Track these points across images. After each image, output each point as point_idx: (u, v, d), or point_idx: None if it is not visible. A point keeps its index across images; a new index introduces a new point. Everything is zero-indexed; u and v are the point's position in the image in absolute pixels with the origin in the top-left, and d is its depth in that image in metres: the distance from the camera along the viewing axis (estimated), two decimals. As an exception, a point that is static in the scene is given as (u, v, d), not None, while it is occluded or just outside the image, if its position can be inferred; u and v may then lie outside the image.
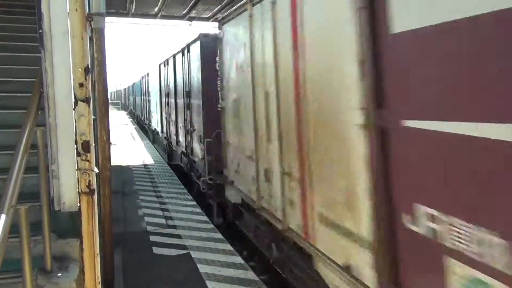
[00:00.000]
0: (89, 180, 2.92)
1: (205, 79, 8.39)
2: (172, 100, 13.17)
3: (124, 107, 54.81)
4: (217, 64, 6.99)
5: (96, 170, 2.99)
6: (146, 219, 7.80)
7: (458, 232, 2.26)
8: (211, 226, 7.36)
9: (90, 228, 2.97)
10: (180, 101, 11.50)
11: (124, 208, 8.59)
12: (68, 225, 3.25)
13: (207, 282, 5.10)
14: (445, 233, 2.34)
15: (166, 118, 14.69)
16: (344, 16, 3.17)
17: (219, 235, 6.84)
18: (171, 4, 12.14)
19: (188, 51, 10.06)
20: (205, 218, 7.85)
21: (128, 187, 10.54)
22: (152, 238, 6.78)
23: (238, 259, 5.79)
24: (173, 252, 6.15)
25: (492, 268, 2.07)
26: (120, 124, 31.00)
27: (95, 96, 4.41)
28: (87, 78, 2.86)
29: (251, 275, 5.28)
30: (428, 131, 2.44)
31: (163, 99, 15.33)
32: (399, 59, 2.70)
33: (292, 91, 4.22)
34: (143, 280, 5.25)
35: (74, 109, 2.87)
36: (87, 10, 3.06)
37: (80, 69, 2.83)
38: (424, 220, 2.50)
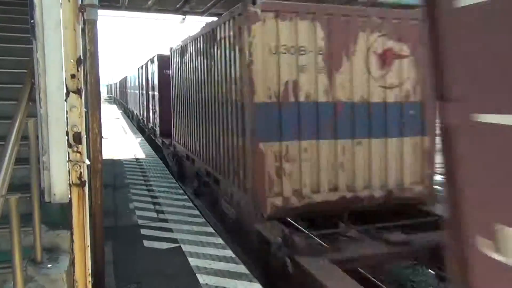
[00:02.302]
0: (80, 172, 2.91)
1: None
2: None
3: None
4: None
5: (88, 161, 2.98)
6: (137, 212, 7.80)
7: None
8: (203, 220, 7.38)
9: (81, 220, 2.97)
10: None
11: (115, 201, 8.58)
12: (58, 217, 3.26)
13: (198, 275, 5.12)
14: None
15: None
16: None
17: (210, 229, 6.86)
18: (164, -2, 12.09)
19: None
20: (196, 212, 7.86)
21: (119, 180, 10.51)
22: (143, 231, 6.78)
23: (229, 253, 5.81)
24: (164, 245, 6.16)
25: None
26: (112, 117, 30.81)
27: (87, 88, 4.39)
28: (79, 69, 2.85)
29: (242, 268, 5.31)
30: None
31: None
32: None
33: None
34: (134, 273, 5.26)
35: (65, 101, 2.86)
36: (80, 1, 3.04)
37: (72, 60, 2.82)
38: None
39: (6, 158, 2.63)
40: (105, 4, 12.56)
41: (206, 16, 13.64)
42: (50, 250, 3.22)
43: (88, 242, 3.00)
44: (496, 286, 1.89)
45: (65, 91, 2.85)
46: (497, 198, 1.88)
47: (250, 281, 4.99)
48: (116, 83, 58.68)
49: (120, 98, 47.17)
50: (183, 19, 14.45)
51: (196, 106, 9.82)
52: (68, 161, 2.91)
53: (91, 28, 4.26)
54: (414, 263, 6.73)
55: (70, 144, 2.86)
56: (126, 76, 35.49)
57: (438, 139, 2.36)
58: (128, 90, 32.74)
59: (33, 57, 3.03)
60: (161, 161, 13.41)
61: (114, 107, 49.24)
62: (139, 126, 23.55)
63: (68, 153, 2.88)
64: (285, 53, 6.14)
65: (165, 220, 7.32)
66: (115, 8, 13.39)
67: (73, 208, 2.91)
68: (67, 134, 2.86)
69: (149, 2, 12.62)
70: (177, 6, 13.02)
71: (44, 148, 3.00)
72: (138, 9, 13.80)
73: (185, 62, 10.96)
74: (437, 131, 2.34)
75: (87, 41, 4.25)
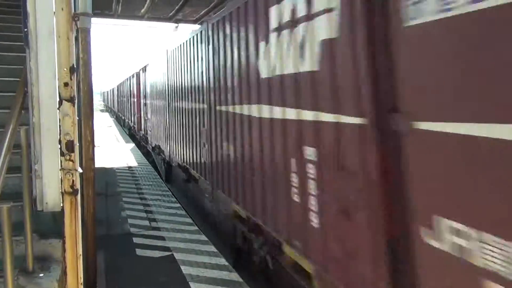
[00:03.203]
0: (73, 180, 2.91)
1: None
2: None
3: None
4: None
5: (80, 170, 2.98)
6: (130, 221, 7.75)
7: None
8: (195, 228, 7.35)
9: (73, 228, 2.95)
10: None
11: (108, 209, 8.52)
12: (50, 226, 3.24)
13: (191, 284, 5.10)
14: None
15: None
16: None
17: (203, 237, 6.83)
18: (157, 6, 12.11)
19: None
20: (189, 220, 7.83)
21: (112, 189, 10.46)
22: (136, 240, 6.74)
23: (222, 261, 5.79)
24: (157, 254, 6.13)
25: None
26: (103, 125, 30.68)
27: (80, 96, 4.39)
28: (72, 77, 2.85)
29: (234, 276, 5.29)
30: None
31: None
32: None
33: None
34: (126, 282, 5.22)
35: (58, 109, 2.86)
36: (73, 10, 3.06)
37: (65, 69, 2.82)
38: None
39: (-2, 167, 2.62)
40: (97, 12, 12.57)
41: (199, 24, 13.70)
42: (42, 259, 3.20)
43: (80, 251, 2.99)
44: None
45: (58, 99, 2.86)
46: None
47: (243, 289, 4.98)
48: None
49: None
50: (176, 27, 14.50)
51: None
52: (60, 169, 2.90)
53: (84, 36, 4.27)
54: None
55: (63, 152, 2.85)
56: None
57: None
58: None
59: (26, 66, 3.04)
60: (153, 169, 13.36)
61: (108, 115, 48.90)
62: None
63: (61, 161, 2.88)
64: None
65: (158, 229, 7.28)
66: (108, 16, 13.41)
67: (65, 216, 2.90)
68: (60, 143, 2.86)
69: (142, 10, 12.65)
70: (170, 14, 13.07)
71: (36, 156, 2.99)
72: (131, 17, 13.83)
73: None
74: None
75: (80, 49, 4.26)
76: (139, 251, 6.23)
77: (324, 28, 3.18)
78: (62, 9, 2.83)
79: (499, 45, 1.81)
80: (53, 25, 2.84)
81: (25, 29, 2.89)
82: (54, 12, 2.85)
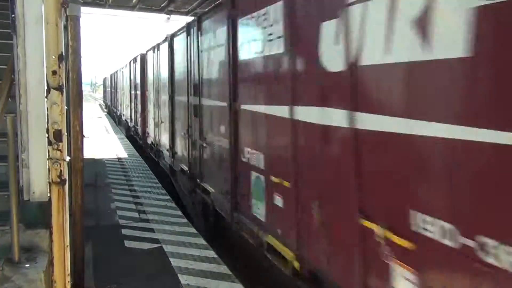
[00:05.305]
0: (60, 170, 2.86)
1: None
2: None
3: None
4: None
5: (68, 158, 2.94)
6: (119, 212, 7.71)
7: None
8: (185, 220, 7.33)
9: (61, 219, 2.92)
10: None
11: (96, 201, 8.46)
12: (37, 216, 3.20)
13: (179, 276, 5.08)
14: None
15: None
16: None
17: (192, 230, 6.82)
18: (149, -4, 12.02)
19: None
20: (178, 212, 7.81)
21: (101, 180, 10.38)
22: (124, 231, 6.70)
23: (211, 253, 5.79)
24: (146, 245, 6.10)
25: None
26: (94, 116, 30.42)
27: (69, 85, 4.33)
28: (60, 66, 2.80)
29: (224, 269, 5.29)
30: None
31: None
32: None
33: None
34: (114, 273, 5.19)
35: (46, 97, 2.81)
36: (62, -3, 2.99)
37: (53, 57, 2.77)
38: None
39: (-16, 155, 2.57)
40: (88, 1, 12.42)
41: (191, 16, 13.59)
42: (28, 249, 3.17)
43: (67, 242, 2.96)
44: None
45: (45, 87, 2.81)
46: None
47: (232, 281, 4.98)
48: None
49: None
50: (168, 18, 14.37)
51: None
52: (48, 159, 2.86)
53: (74, 24, 4.20)
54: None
55: (50, 142, 2.81)
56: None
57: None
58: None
59: (14, 53, 2.98)
60: (143, 161, 13.29)
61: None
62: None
63: (48, 150, 2.83)
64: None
65: (147, 220, 7.25)
66: (98, 5, 13.25)
67: (52, 207, 2.86)
68: (48, 132, 2.82)
69: (134, 1, 12.53)
70: (162, 5, 12.95)
71: (24, 145, 2.95)
72: (122, 7, 13.68)
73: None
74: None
75: (69, 37, 4.19)
76: (127, 243, 6.20)
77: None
78: (51, -5, 2.77)
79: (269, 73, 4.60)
80: (42, 12, 2.78)
81: (13, 15, 2.84)
82: (43, -2, 2.79)
